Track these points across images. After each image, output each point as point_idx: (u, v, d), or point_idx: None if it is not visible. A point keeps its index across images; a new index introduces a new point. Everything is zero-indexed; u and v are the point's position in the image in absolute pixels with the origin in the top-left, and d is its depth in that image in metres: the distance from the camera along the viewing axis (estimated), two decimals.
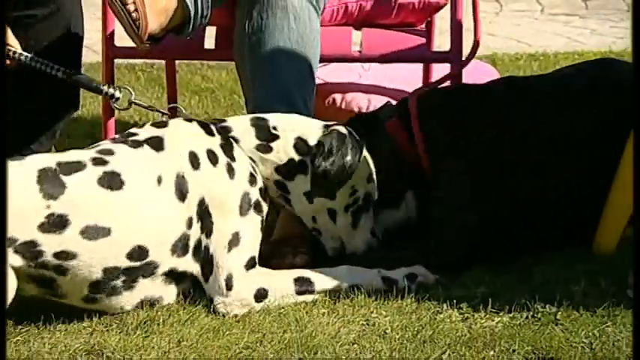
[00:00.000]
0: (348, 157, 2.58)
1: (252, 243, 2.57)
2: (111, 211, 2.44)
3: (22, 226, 2.35)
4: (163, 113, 2.74)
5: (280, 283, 2.57)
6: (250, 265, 2.55)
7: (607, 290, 2.54)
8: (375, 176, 2.72)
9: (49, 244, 2.39)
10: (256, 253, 2.58)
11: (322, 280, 2.60)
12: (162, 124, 2.60)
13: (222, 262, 2.52)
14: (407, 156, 2.78)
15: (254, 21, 2.84)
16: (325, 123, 2.66)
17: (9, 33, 2.76)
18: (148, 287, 2.50)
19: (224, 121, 2.65)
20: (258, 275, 2.56)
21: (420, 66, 3.49)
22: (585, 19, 4.78)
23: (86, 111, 3.85)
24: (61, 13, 2.91)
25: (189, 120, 2.62)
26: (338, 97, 3.55)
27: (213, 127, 2.60)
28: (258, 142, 2.62)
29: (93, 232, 2.42)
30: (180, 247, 2.50)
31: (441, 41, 3.35)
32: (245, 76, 2.89)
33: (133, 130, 2.61)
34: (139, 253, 2.46)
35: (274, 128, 2.63)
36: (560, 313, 2.46)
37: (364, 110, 3.52)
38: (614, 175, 2.73)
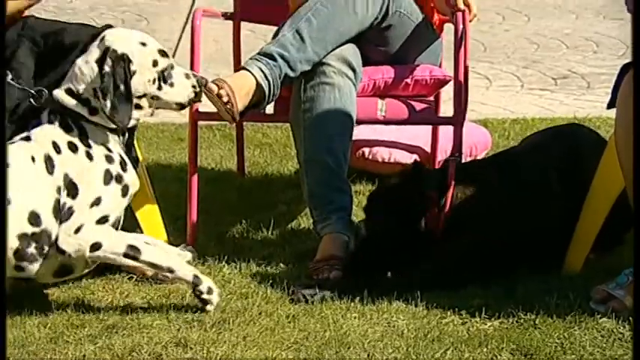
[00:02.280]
0: (121, 87, 2.43)
1: (111, 205, 2.44)
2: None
3: None
4: (32, 94, 2.53)
5: (115, 243, 2.44)
6: (102, 221, 2.42)
7: (574, 302, 2.49)
8: (160, 56, 2.51)
9: None
10: (113, 214, 2.45)
11: (149, 254, 2.48)
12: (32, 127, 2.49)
13: (80, 215, 2.41)
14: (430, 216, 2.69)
15: (308, 93, 2.83)
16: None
17: None
18: (57, 256, 2.39)
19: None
20: (101, 231, 2.42)
21: (429, 127, 3.48)
22: (555, 92, 4.74)
23: (176, 160, 3.85)
24: None
25: (51, 116, 2.48)
26: (366, 150, 3.54)
27: (76, 124, 2.47)
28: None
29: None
30: (56, 211, 2.40)
31: (446, 108, 3.33)
32: (298, 133, 2.87)
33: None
34: (34, 218, 2.37)
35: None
36: (538, 319, 2.42)
37: (387, 160, 3.51)
38: (577, 211, 2.68)
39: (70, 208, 2.44)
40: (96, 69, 2.47)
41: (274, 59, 2.77)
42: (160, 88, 2.53)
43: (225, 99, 2.68)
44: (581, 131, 2.91)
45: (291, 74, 2.80)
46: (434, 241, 2.67)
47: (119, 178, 2.50)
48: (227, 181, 3.57)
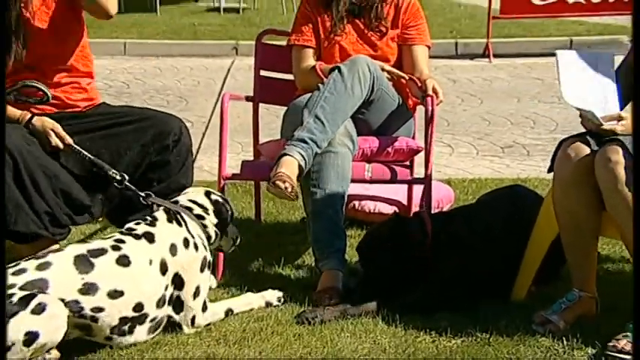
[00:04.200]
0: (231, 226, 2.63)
1: (205, 290, 2.47)
2: (123, 280, 2.31)
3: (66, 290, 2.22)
4: (142, 197, 2.57)
5: (218, 315, 2.51)
6: (204, 307, 2.46)
7: (520, 325, 2.46)
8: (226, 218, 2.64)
9: (87, 302, 2.25)
10: (206, 294, 2.47)
11: (238, 306, 2.57)
12: (152, 223, 2.45)
13: (189, 306, 2.43)
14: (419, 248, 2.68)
15: (317, 159, 2.84)
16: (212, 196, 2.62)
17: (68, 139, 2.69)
18: (140, 333, 2.36)
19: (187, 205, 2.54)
20: (208, 315, 2.47)
21: (406, 185, 3.48)
22: (503, 158, 4.75)
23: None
24: (178, 162, 2.84)
25: (168, 215, 2.48)
26: (356, 203, 3.52)
27: (182, 218, 2.48)
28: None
29: (114, 294, 2.29)
30: (161, 302, 2.38)
31: (419, 170, 3.33)
32: (307, 190, 2.87)
33: (132, 225, 2.45)
34: (139, 306, 2.33)
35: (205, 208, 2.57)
36: (491, 338, 2.40)
37: (372, 211, 3.50)
38: (522, 253, 2.66)
39: (178, 297, 2.42)
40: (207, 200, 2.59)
41: (306, 142, 2.79)
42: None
43: (289, 189, 2.69)
44: (523, 190, 2.92)
45: (318, 151, 2.83)
46: (427, 265, 2.65)
47: (210, 265, 2.51)
48: (247, 226, 3.54)
